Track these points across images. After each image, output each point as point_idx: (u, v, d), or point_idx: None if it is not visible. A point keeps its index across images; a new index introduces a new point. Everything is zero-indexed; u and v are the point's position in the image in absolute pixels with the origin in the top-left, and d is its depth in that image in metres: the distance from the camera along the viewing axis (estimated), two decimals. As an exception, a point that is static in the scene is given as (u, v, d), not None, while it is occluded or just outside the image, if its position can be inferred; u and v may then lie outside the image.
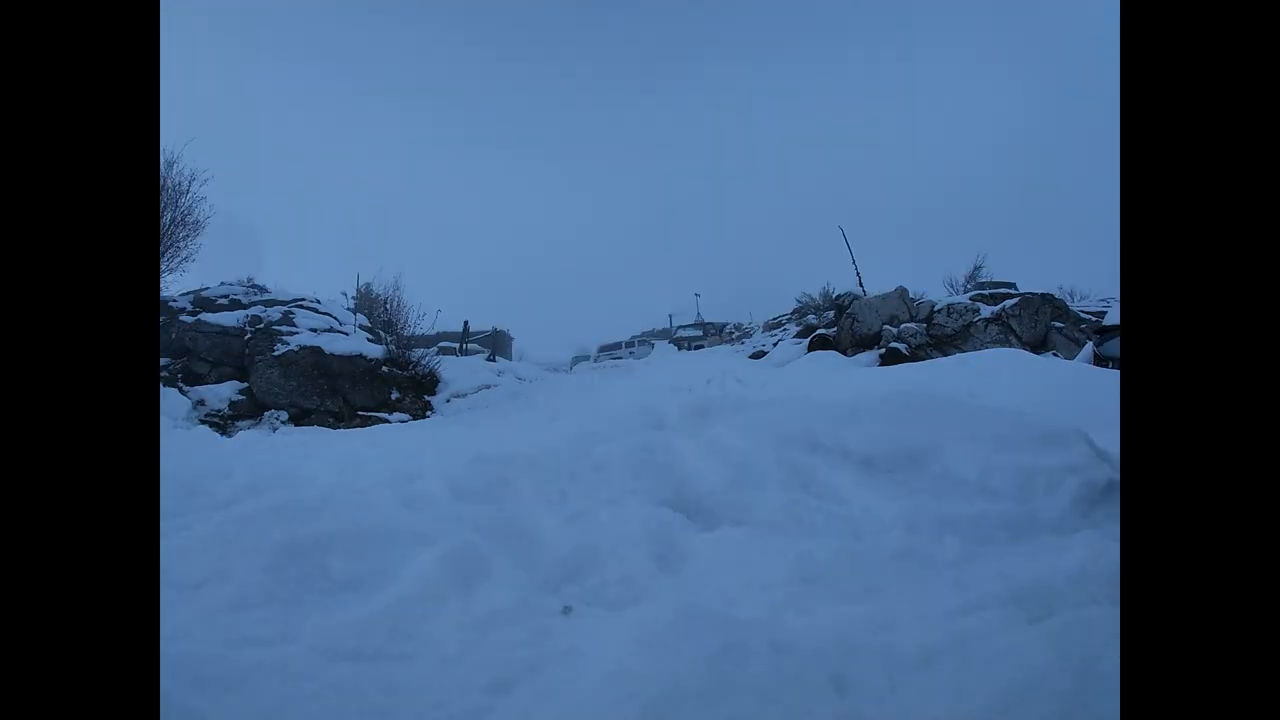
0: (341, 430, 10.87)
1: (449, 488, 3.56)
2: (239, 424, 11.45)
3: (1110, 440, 3.33)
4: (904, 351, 11.74)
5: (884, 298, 13.09)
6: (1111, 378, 6.56)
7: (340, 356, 12.99)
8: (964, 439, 3.53)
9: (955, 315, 12.42)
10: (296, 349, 12.70)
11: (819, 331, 14.09)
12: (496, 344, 28.28)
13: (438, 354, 15.62)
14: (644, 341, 27.77)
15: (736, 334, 27.13)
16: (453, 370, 14.79)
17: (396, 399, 12.99)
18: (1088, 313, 13.13)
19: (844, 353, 12.78)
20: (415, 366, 13.94)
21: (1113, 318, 9.86)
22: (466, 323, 22.32)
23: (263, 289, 14.58)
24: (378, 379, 13.19)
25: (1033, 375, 7.25)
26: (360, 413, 12.12)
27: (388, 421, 11.81)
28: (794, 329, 17.66)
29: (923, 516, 2.98)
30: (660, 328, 34.90)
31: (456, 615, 2.28)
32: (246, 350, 12.69)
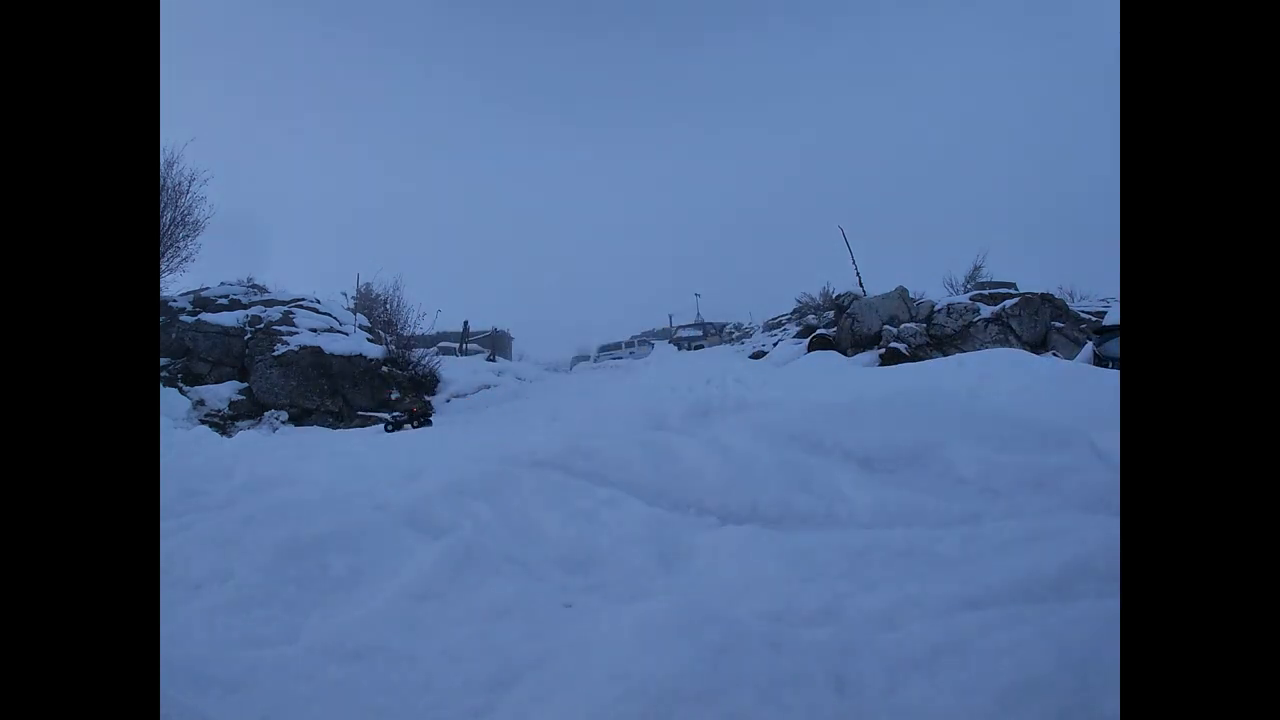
0: (341, 430, 10.89)
1: (449, 486, 3.56)
2: (239, 424, 11.46)
3: (1110, 440, 3.33)
4: (904, 351, 11.75)
5: (884, 298, 13.10)
6: (1111, 378, 6.57)
7: (340, 356, 13.00)
8: (964, 439, 3.54)
9: (955, 315, 12.42)
10: (296, 349, 12.70)
11: (819, 331, 14.10)
12: (496, 344, 28.30)
13: (438, 354, 15.64)
14: (644, 341, 27.77)
15: (736, 334, 27.16)
16: (453, 370, 14.80)
17: (396, 399, 12.99)
18: (1088, 313, 13.12)
19: (844, 353, 12.79)
20: (415, 366, 13.95)
21: (1113, 318, 9.86)
22: (466, 323, 22.36)
23: (263, 289, 14.59)
24: (378, 379, 13.19)
25: (1033, 375, 7.25)
26: (360, 413, 12.12)
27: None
28: (794, 329, 17.68)
29: (923, 516, 2.98)
30: (660, 328, 34.92)
31: (457, 614, 2.28)
32: (246, 350, 12.69)
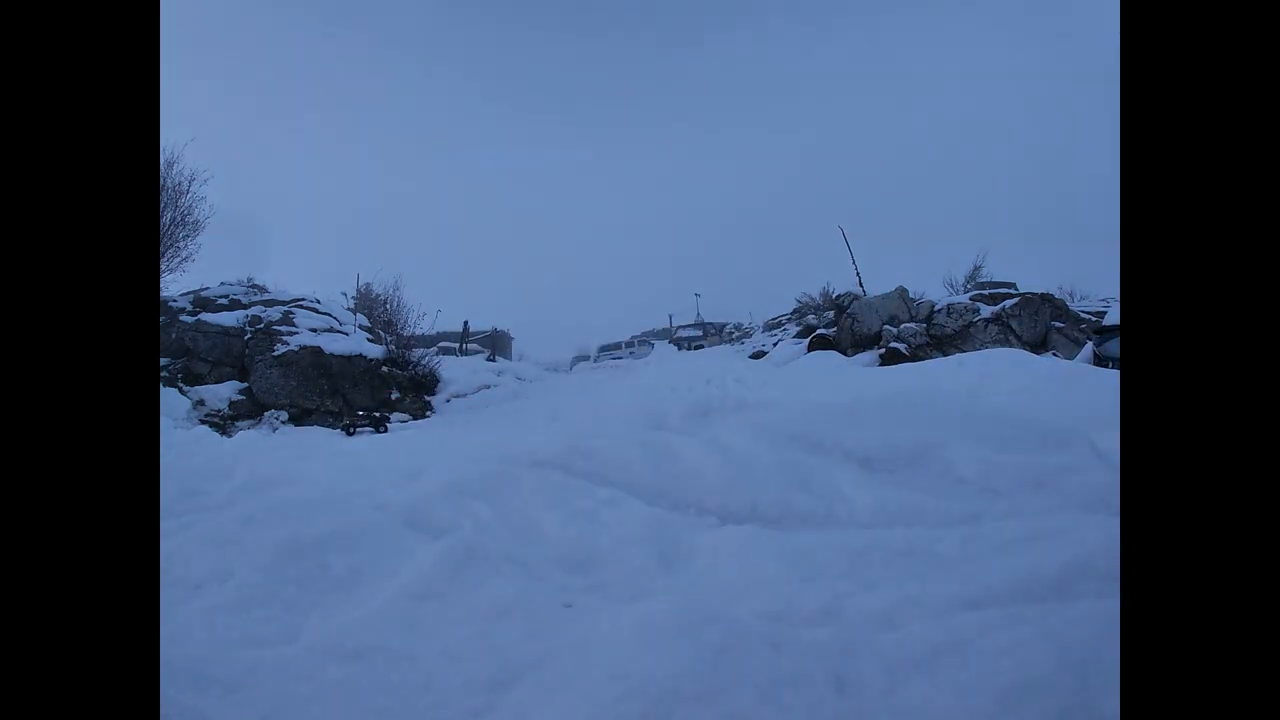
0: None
1: (449, 486, 3.56)
2: (239, 424, 11.45)
3: (1110, 440, 3.33)
4: (904, 351, 11.74)
5: (884, 298, 13.09)
6: (1111, 378, 6.56)
7: (340, 356, 13.00)
8: (964, 439, 3.54)
9: (955, 315, 12.42)
10: (296, 349, 12.70)
11: (819, 331, 14.10)
12: (496, 344, 28.32)
13: (438, 354, 15.64)
14: (644, 341, 27.76)
15: (736, 334, 27.17)
16: (453, 370, 14.80)
17: (396, 399, 13.00)
18: (1088, 313, 13.12)
19: (844, 353, 12.78)
20: (415, 366, 13.95)
21: (1113, 318, 9.85)
22: (466, 323, 22.35)
23: (263, 289, 14.58)
24: (378, 379, 13.19)
25: (1033, 375, 7.25)
26: (360, 413, 12.11)
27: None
28: (794, 329, 17.68)
29: (923, 516, 2.98)
30: (660, 328, 34.93)
31: (457, 614, 2.28)
32: (246, 350, 12.69)
